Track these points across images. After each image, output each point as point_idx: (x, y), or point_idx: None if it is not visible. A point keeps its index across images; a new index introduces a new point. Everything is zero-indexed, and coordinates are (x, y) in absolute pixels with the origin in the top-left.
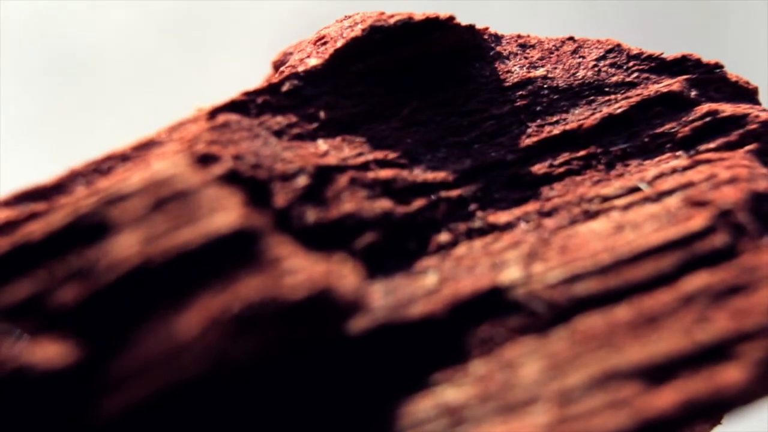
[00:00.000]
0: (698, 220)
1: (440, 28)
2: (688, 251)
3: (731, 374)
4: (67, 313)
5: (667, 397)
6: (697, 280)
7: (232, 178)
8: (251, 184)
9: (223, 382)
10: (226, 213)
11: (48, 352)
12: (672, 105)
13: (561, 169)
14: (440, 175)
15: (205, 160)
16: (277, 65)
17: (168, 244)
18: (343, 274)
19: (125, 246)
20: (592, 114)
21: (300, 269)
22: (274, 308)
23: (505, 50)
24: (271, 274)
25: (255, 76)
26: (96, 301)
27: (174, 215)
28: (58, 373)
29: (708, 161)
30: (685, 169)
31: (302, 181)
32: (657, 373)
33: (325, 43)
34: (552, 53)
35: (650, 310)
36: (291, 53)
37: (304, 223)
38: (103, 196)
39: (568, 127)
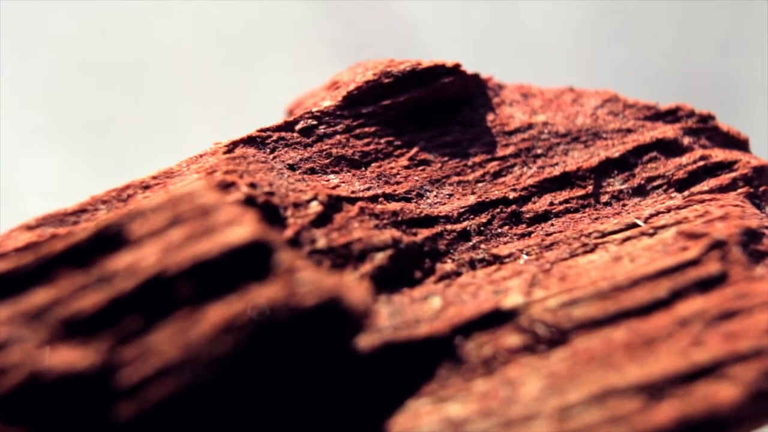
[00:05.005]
0: (693, 251)
1: (447, 74)
2: (683, 278)
3: (726, 394)
4: (86, 319)
5: (664, 414)
6: (692, 305)
7: (247, 203)
8: (265, 209)
9: (235, 387)
10: (242, 227)
11: (66, 357)
12: (667, 150)
13: (560, 207)
14: (445, 210)
15: (222, 186)
16: (291, 111)
17: (185, 255)
18: (352, 287)
19: (144, 255)
20: (591, 157)
21: (312, 281)
22: (287, 315)
23: (507, 98)
24: (284, 285)
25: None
26: (114, 308)
27: (192, 228)
28: (76, 377)
29: (701, 201)
30: (680, 208)
31: (314, 208)
32: (654, 392)
33: (338, 88)
34: (552, 102)
35: (647, 332)
36: (305, 99)
37: (315, 246)
38: (124, 212)
39: (567, 168)
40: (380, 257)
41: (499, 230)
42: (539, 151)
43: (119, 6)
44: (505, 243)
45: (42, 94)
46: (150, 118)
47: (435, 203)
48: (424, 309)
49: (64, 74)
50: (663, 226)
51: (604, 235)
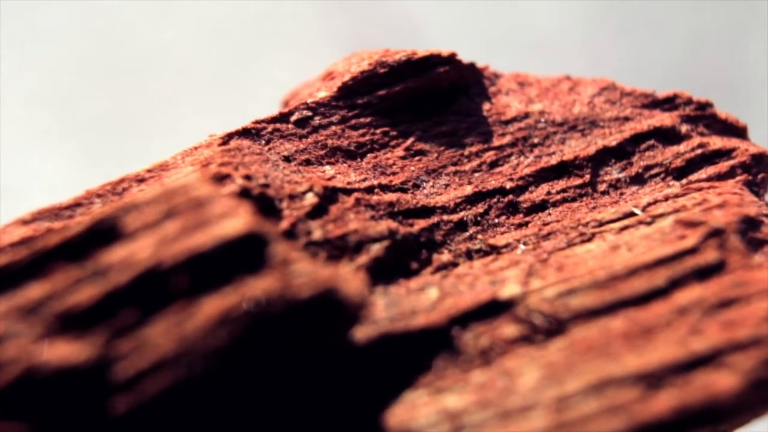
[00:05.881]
0: (691, 239)
1: (442, 63)
2: (681, 267)
3: (724, 382)
4: (81, 313)
5: (662, 403)
6: (690, 294)
7: (242, 195)
8: (261, 201)
9: (231, 380)
10: (236, 219)
11: (62, 351)
12: (664, 138)
13: (558, 197)
14: (442, 200)
15: (217, 179)
16: (287, 102)
17: (180, 248)
18: (347, 278)
19: (139, 249)
20: (588, 146)
21: (307, 273)
22: (282, 307)
23: (504, 87)
24: (279, 277)
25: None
26: (110, 302)
27: (186, 220)
28: (72, 372)
29: (699, 189)
30: (678, 196)
31: (310, 199)
32: (653, 380)
33: (333, 78)
34: (549, 91)
35: (645, 321)
36: (300, 90)
37: (311, 238)
38: (119, 205)
39: (564, 157)
40: (376, 248)
41: (496, 220)
42: (536, 141)
43: (119, 3)
44: (502, 233)
45: (42, 93)
46: (152, 115)
47: (431, 194)
48: (421, 300)
49: (64, 74)
50: (661, 215)
51: (601, 224)
